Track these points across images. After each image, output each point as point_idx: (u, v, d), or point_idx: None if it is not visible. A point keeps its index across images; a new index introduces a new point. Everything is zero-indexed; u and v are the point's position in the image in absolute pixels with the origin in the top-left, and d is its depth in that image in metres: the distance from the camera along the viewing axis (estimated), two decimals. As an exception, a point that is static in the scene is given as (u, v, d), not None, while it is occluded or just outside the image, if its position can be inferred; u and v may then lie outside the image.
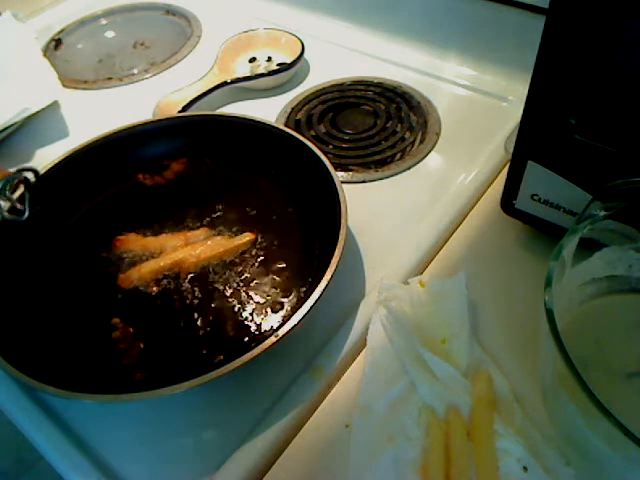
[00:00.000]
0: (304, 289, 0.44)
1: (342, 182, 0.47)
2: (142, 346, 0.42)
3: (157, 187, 0.55)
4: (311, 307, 0.39)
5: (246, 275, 0.46)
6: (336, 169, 0.49)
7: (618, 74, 0.34)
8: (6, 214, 0.45)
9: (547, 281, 0.33)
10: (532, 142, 0.41)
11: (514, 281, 0.45)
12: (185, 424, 0.40)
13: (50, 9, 0.89)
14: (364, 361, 0.41)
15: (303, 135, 0.53)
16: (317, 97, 0.67)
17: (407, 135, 0.61)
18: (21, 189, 0.46)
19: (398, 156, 0.59)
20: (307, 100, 0.67)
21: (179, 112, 0.62)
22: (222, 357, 0.41)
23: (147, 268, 0.47)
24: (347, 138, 0.61)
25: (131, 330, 0.43)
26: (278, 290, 0.45)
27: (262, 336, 0.42)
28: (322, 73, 0.71)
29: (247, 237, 0.48)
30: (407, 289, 0.44)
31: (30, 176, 0.47)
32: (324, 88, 0.68)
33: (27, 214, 0.45)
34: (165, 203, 0.53)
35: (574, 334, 0.36)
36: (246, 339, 0.42)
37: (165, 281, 0.46)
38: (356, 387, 0.40)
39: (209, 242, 0.48)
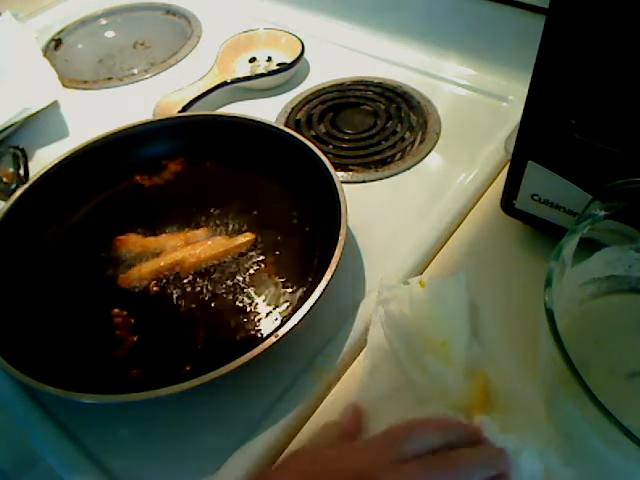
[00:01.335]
0: (304, 289, 0.44)
1: (342, 182, 0.47)
2: (135, 339, 0.43)
3: (157, 187, 0.55)
4: (311, 307, 0.39)
5: (246, 275, 0.46)
6: (336, 169, 0.49)
7: (618, 74, 0.34)
8: None
9: (547, 281, 0.33)
10: (532, 142, 0.41)
11: (514, 281, 0.45)
12: (185, 424, 0.40)
13: (50, 9, 0.89)
14: (364, 361, 0.41)
15: (303, 135, 0.53)
16: (317, 97, 0.67)
17: (407, 135, 0.61)
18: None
19: (398, 156, 0.59)
20: (307, 100, 0.67)
21: (179, 112, 0.62)
22: (221, 357, 0.41)
23: (147, 268, 0.47)
24: (347, 138, 0.61)
25: (132, 321, 0.44)
26: (278, 290, 0.45)
27: (262, 336, 0.42)
28: (322, 73, 0.71)
29: (247, 237, 0.48)
30: (407, 289, 0.44)
31: (17, 152, 0.47)
32: (324, 88, 0.68)
33: (14, 186, 0.46)
34: (165, 203, 0.53)
35: (574, 334, 0.36)
36: (246, 339, 0.42)
37: (165, 281, 0.46)
38: (356, 387, 0.40)
39: (209, 242, 0.48)
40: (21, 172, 0.50)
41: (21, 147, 0.48)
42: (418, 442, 0.31)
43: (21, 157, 0.50)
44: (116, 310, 0.44)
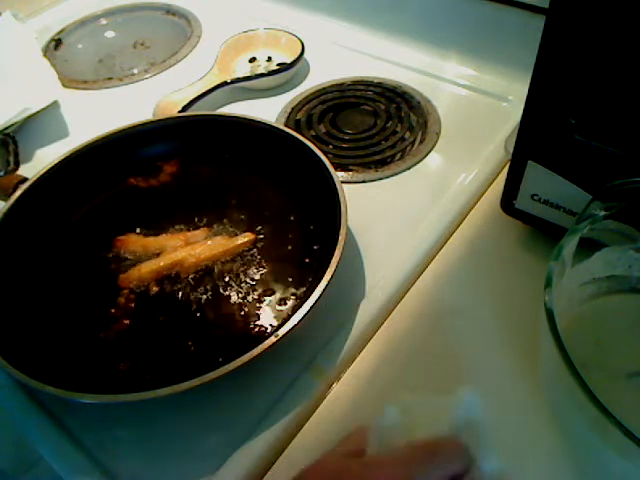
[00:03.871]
0: (304, 289, 0.44)
1: (342, 182, 0.47)
2: (127, 323, 0.43)
3: (157, 187, 0.55)
4: (311, 307, 0.39)
5: (246, 275, 0.46)
6: (336, 169, 0.49)
7: (618, 74, 0.34)
8: None
9: (547, 281, 0.33)
10: (532, 142, 0.41)
11: (514, 281, 0.45)
12: (185, 424, 0.40)
13: (50, 9, 0.89)
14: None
15: (303, 135, 0.53)
16: (317, 97, 0.67)
17: (407, 135, 0.61)
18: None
19: (398, 156, 0.59)
20: (307, 100, 0.67)
21: (179, 112, 0.62)
22: (222, 357, 0.41)
23: (147, 268, 0.47)
24: (347, 138, 0.61)
25: (132, 306, 0.44)
26: (278, 290, 0.45)
27: (262, 336, 0.41)
28: (322, 73, 0.71)
29: (247, 237, 0.48)
30: None
31: (7, 139, 0.47)
32: (324, 88, 0.68)
33: (2, 173, 0.46)
34: (165, 203, 0.53)
35: (574, 334, 0.36)
36: (246, 339, 0.42)
37: (165, 281, 0.46)
38: (356, 387, 0.40)
39: (209, 242, 0.48)
40: (10, 159, 0.49)
41: (11, 134, 0.48)
42: (441, 468, 0.29)
43: (11, 144, 0.49)
44: (125, 291, 0.45)
